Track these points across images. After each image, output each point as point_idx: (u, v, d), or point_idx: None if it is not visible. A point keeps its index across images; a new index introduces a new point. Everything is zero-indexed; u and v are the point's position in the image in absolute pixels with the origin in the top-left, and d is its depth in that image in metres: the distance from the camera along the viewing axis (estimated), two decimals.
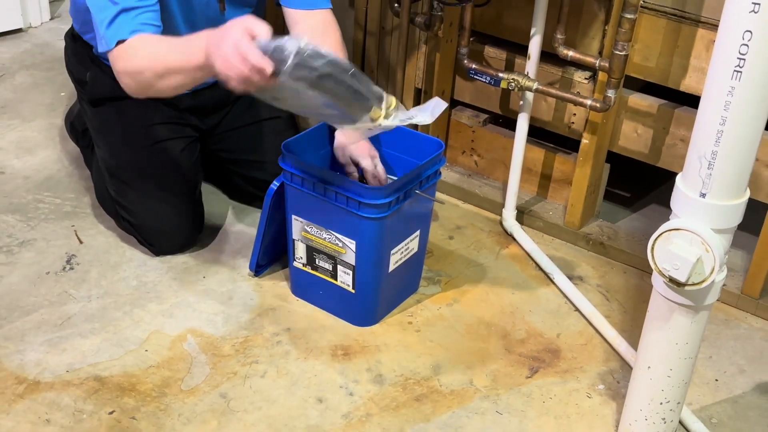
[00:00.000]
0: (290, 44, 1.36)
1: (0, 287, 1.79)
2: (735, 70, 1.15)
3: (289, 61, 1.35)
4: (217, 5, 1.78)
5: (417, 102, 2.22)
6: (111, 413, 1.52)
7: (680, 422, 1.56)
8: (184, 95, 1.95)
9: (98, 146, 1.94)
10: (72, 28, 1.99)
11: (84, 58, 1.94)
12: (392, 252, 1.72)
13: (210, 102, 1.98)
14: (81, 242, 1.95)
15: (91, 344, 1.67)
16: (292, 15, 1.82)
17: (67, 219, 2.02)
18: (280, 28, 2.24)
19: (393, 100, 1.46)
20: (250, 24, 1.39)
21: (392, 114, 1.46)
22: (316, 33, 1.79)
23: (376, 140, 1.86)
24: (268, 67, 1.35)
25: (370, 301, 1.75)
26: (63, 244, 1.93)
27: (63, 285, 1.81)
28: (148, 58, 1.57)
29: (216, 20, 1.69)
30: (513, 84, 1.94)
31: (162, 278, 1.85)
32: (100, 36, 1.62)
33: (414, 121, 1.48)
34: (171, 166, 1.90)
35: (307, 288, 1.81)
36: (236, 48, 1.37)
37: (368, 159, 1.76)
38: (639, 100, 1.94)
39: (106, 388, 1.57)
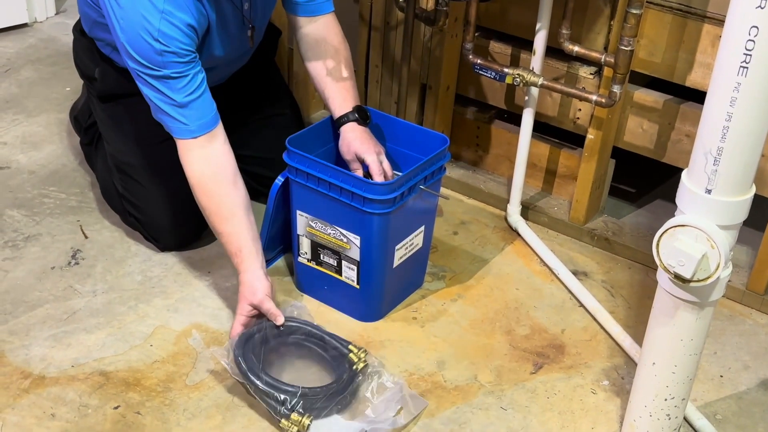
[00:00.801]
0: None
1: (5, 282, 1.80)
2: (741, 66, 1.14)
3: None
4: (248, 40, 1.84)
5: (422, 98, 2.22)
6: (116, 408, 1.53)
7: (685, 418, 1.56)
8: None
9: (107, 142, 1.94)
10: (80, 23, 1.99)
11: (93, 54, 1.94)
12: (397, 247, 1.72)
13: (218, 99, 1.97)
14: (86, 237, 1.95)
15: (96, 339, 1.67)
16: (296, 21, 1.87)
17: (72, 214, 2.02)
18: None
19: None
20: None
21: None
22: (317, 36, 1.85)
23: (380, 135, 1.86)
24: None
25: (374, 296, 1.75)
26: (68, 239, 1.93)
27: (68, 280, 1.82)
28: (212, 211, 1.68)
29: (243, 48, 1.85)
30: (518, 79, 1.93)
31: (167, 273, 1.86)
32: (165, 123, 1.67)
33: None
34: (178, 162, 1.90)
35: (311, 283, 1.81)
36: (255, 294, 1.63)
37: (373, 155, 1.76)
38: (644, 96, 1.93)
39: (111, 383, 1.57)
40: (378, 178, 1.76)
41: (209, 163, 1.68)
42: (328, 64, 1.84)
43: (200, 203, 1.69)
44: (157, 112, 1.67)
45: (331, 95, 1.83)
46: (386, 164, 1.78)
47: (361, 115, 1.80)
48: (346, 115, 1.80)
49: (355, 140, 1.77)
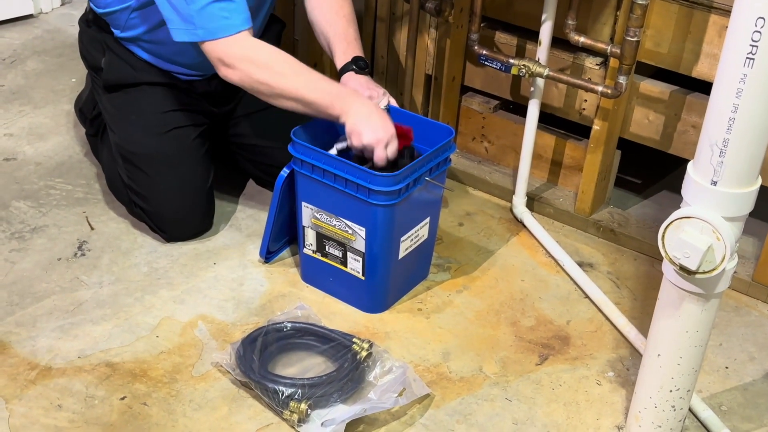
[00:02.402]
0: None
1: (12, 273, 1.80)
2: (747, 57, 1.14)
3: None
4: None
5: (428, 89, 2.22)
6: (122, 399, 1.53)
7: (690, 410, 1.56)
8: (200, 81, 1.95)
9: (112, 132, 1.95)
10: (86, 13, 1.99)
11: (99, 44, 1.95)
12: (402, 239, 1.72)
13: (224, 87, 1.98)
14: (92, 228, 1.95)
15: (102, 330, 1.68)
16: None
17: (78, 205, 2.02)
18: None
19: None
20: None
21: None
22: (330, 8, 1.88)
23: None
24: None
25: (379, 287, 1.75)
26: (74, 231, 1.94)
27: (74, 271, 1.82)
28: (284, 79, 1.68)
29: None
30: (524, 70, 1.93)
31: (173, 265, 1.86)
32: (200, 25, 1.65)
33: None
34: (185, 152, 1.91)
35: (317, 275, 1.81)
36: (383, 117, 1.67)
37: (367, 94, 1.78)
38: (650, 87, 1.93)
39: (118, 374, 1.58)
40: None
41: (261, 43, 1.71)
42: (330, 17, 1.88)
43: (278, 71, 1.69)
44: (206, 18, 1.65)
45: (334, 48, 1.88)
46: (384, 103, 1.81)
47: (359, 64, 1.84)
48: (345, 65, 1.84)
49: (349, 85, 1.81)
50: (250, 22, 1.69)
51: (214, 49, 1.68)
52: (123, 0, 1.84)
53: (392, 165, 1.66)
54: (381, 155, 1.64)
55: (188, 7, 1.65)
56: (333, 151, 1.69)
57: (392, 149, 1.66)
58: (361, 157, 1.69)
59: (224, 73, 1.70)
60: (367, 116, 1.65)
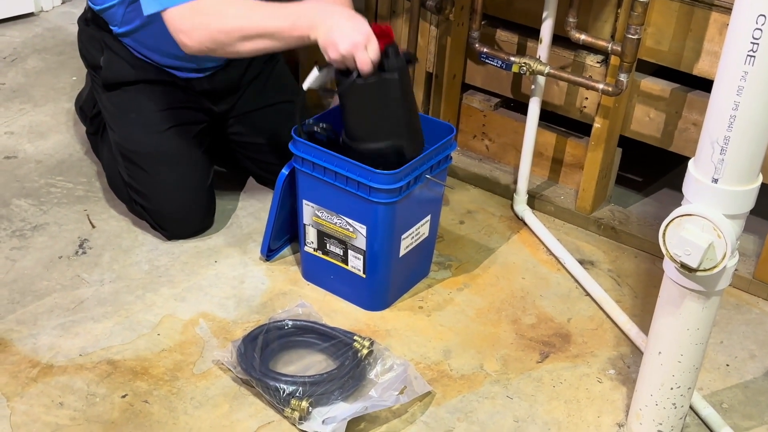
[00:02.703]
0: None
1: (13, 271, 1.81)
2: (748, 55, 1.14)
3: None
4: None
5: (428, 87, 2.22)
6: (123, 397, 1.54)
7: (691, 407, 1.57)
8: (199, 79, 1.95)
9: (112, 130, 1.95)
10: (85, 12, 1.99)
11: (97, 43, 1.95)
12: (403, 237, 1.72)
13: (223, 85, 1.98)
14: (93, 226, 1.96)
15: (103, 328, 1.68)
16: None
17: (79, 203, 2.02)
18: None
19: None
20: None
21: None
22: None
23: None
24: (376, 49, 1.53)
25: (380, 285, 1.75)
26: (75, 229, 1.94)
27: (75, 269, 1.82)
28: (242, 19, 1.60)
29: None
30: (524, 68, 1.93)
31: (174, 262, 1.86)
32: None
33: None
34: (185, 150, 1.91)
35: (318, 272, 1.82)
36: (354, 19, 1.55)
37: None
38: (651, 84, 1.93)
39: (119, 372, 1.58)
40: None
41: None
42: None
43: (231, 14, 1.61)
44: None
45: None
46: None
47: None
48: None
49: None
50: None
51: (172, 19, 1.62)
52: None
53: (380, 68, 1.55)
54: (363, 59, 1.53)
55: None
56: (305, 84, 1.60)
57: (373, 50, 1.54)
58: (347, 71, 1.57)
59: (183, 40, 1.63)
60: (336, 24, 1.55)
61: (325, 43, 1.56)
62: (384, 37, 1.57)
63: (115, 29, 1.90)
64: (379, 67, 1.55)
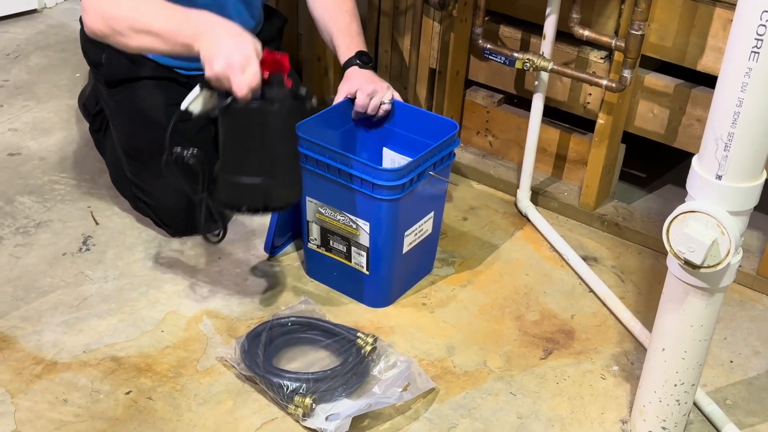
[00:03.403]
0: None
1: (17, 268, 1.81)
2: (752, 51, 1.13)
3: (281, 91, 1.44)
4: None
5: (431, 83, 2.22)
6: (127, 393, 1.54)
7: (694, 404, 1.56)
8: (200, 75, 1.95)
9: (114, 127, 1.95)
10: None
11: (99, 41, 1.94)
12: (406, 233, 1.72)
13: None
14: (97, 223, 1.96)
15: (107, 325, 1.68)
16: None
17: (83, 200, 2.03)
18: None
19: None
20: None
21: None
22: (332, 3, 1.88)
23: (390, 121, 1.86)
24: (257, 72, 1.43)
25: (384, 282, 1.75)
26: (79, 226, 1.94)
27: (79, 266, 1.83)
28: (133, 9, 1.53)
29: None
30: (528, 64, 1.92)
31: (178, 259, 1.86)
32: None
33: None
34: (188, 146, 1.90)
35: (321, 269, 1.82)
36: (239, 38, 1.46)
37: (363, 93, 1.78)
38: (655, 80, 1.92)
39: (123, 369, 1.58)
40: (356, 108, 1.79)
41: None
42: (333, 12, 1.88)
43: (126, 5, 1.53)
44: None
45: (337, 43, 1.87)
46: (375, 100, 1.79)
47: (363, 59, 1.83)
48: (349, 60, 1.83)
49: (347, 81, 1.80)
50: None
51: (83, 5, 1.58)
52: None
53: (261, 96, 1.44)
54: (238, 82, 1.41)
55: None
56: (184, 104, 1.49)
57: (251, 74, 1.43)
58: (228, 93, 1.45)
59: (84, 20, 1.59)
60: (218, 39, 1.44)
61: (203, 59, 1.46)
62: (274, 65, 1.46)
63: None
64: (262, 93, 1.45)
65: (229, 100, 1.42)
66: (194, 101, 1.48)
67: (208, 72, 1.46)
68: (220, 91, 1.47)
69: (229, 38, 1.46)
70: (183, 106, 1.48)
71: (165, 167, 1.53)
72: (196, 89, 1.48)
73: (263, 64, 1.45)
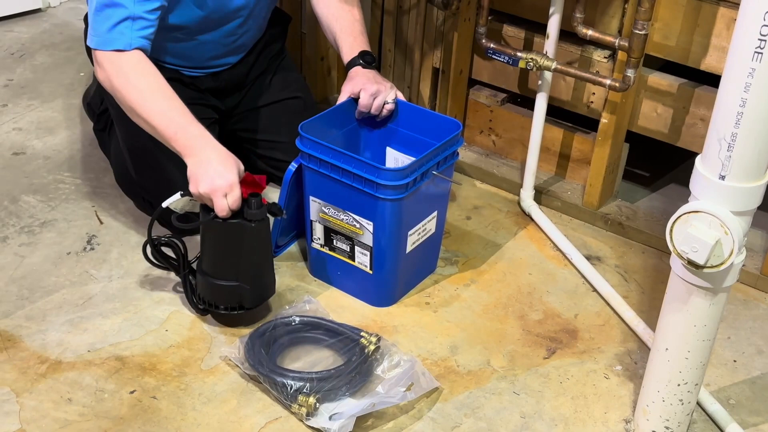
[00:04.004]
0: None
1: (22, 267, 1.81)
2: (756, 51, 1.13)
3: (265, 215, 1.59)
4: None
5: (435, 82, 2.22)
6: (132, 392, 1.54)
7: (698, 403, 1.57)
8: (205, 76, 1.96)
9: (119, 126, 1.95)
10: None
11: None
12: (410, 233, 1.72)
13: (229, 83, 1.99)
14: (101, 222, 1.96)
15: (112, 324, 1.69)
16: None
17: (87, 199, 2.03)
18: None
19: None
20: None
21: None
22: (335, 2, 1.88)
23: (393, 120, 1.86)
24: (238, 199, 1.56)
25: (387, 281, 1.75)
26: (83, 225, 1.95)
27: (84, 265, 1.83)
28: (139, 98, 1.61)
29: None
30: (531, 63, 1.92)
31: None
32: (97, 33, 1.63)
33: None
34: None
35: (324, 269, 1.82)
36: (225, 163, 1.56)
37: (367, 93, 1.79)
38: (659, 80, 1.92)
39: (127, 368, 1.59)
40: (360, 108, 1.80)
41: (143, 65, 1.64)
42: (336, 12, 1.88)
43: (139, 89, 1.61)
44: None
45: (341, 42, 1.87)
46: (379, 100, 1.80)
47: (366, 59, 1.83)
48: (352, 60, 1.84)
49: (350, 80, 1.81)
50: (145, 48, 1.64)
51: (100, 55, 1.64)
52: None
53: (239, 213, 1.58)
54: (220, 205, 1.55)
55: (95, 17, 1.64)
56: (165, 203, 1.62)
57: (233, 198, 1.56)
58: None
59: (98, 73, 1.67)
60: (206, 162, 1.56)
61: (189, 175, 1.58)
62: (253, 186, 1.59)
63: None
64: (242, 211, 1.58)
65: (212, 215, 1.57)
66: (175, 203, 1.62)
67: (193, 189, 1.57)
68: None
69: (216, 163, 1.56)
70: (164, 205, 1.61)
71: (145, 255, 1.68)
72: (178, 195, 1.60)
73: (243, 183, 1.58)
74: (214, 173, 1.55)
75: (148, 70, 1.63)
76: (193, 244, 1.73)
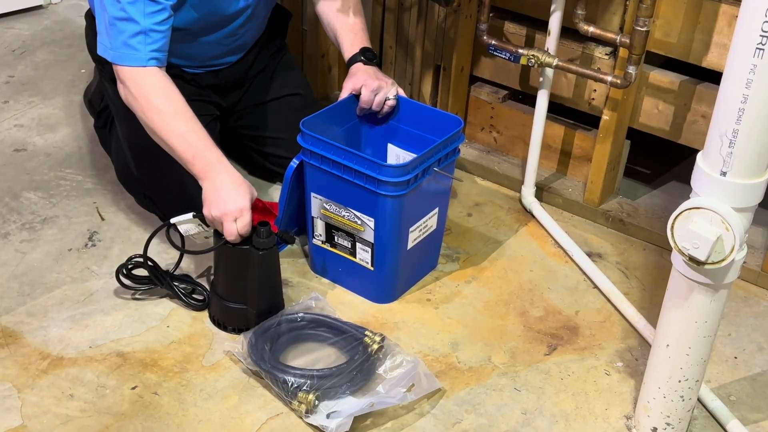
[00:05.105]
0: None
1: (23, 264, 1.82)
2: (757, 48, 1.13)
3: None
4: None
5: (436, 79, 2.22)
6: (133, 388, 1.54)
7: (698, 400, 1.57)
8: (205, 73, 1.96)
9: (120, 124, 1.95)
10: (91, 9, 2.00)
11: None
12: (411, 229, 1.73)
13: (230, 80, 1.99)
14: (102, 219, 1.96)
15: (113, 320, 1.69)
16: None
17: (88, 196, 2.03)
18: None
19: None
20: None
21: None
22: (338, 11, 1.87)
23: (395, 117, 1.86)
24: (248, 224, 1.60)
25: (388, 278, 1.76)
26: (85, 221, 1.95)
27: (85, 261, 1.83)
28: (161, 118, 1.64)
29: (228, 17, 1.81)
30: (533, 60, 1.92)
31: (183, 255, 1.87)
32: (113, 46, 1.64)
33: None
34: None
35: (326, 265, 1.82)
36: (238, 189, 1.59)
37: (368, 89, 1.79)
38: (660, 76, 1.92)
39: (129, 364, 1.59)
40: (361, 104, 1.81)
41: (162, 82, 1.66)
42: (337, 9, 1.88)
43: (159, 109, 1.64)
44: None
45: (342, 39, 1.88)
46: (380, 96, 1.80)
47: (367, 55, 1.84)
48: (353, 57, 1.84)
49: (351, 77, 1.81)
50: (161, 60, 1.66)
51: (122, 71, 1.66)
52: None
53: (248, 240, 1.61)
54: (230, 230, 1.58)
55: (109, 29, 1.65)
56: (173, 219, 1.65)
57: (242, 224, 1.59)
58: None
59: (120, 89, 1.69)
60: (220, 187, 1.60)
61: (204, 199, 1.62)
62: (264, 212, 1.64)
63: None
64: (251, 238, 1.61)
65: (223, 240, 1.60)
66: (184, 222, 1.65)
67: (206, 213, 1.61)
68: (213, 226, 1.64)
69: (230, 188, 1.60)
70: (172, 221, 1.65)
71: (119, 281, 1.72)
72: (189, 215, 1.64)
73: (255, 209, 1.62)
74: (227, 197, 1.58)
75: (169, 91, 1.65)
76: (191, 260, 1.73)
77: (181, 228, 1.66)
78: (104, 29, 1.66)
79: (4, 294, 1.73)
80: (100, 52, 1.69)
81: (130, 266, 1.72)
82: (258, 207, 1.63)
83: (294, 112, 1.99)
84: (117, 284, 1.77)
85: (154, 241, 1.67)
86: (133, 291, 1.74)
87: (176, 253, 1.73)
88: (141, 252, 1.68)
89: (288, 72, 2.10)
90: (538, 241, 1.99)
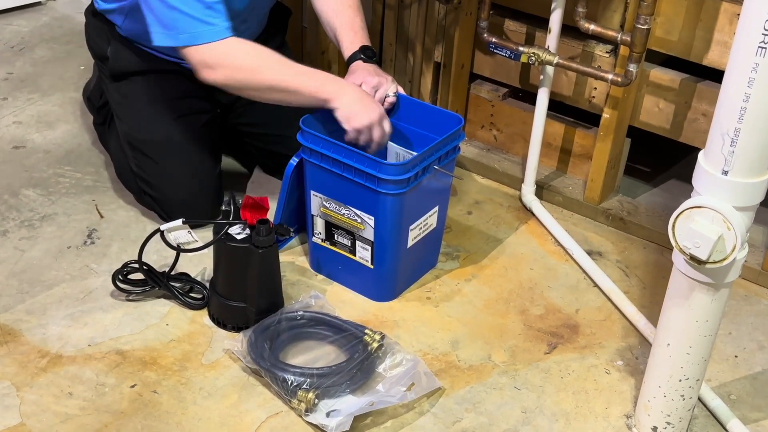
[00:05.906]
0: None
1: (22, 261, 1.81)
2: (759, 47, 1.13)
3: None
4: None
5: (436, 77, 2.21)
6: (133, 387, 1.54)
7: (699, 399, 1.56)
8: None
9: (120, 120, 1.95)
10: (92, 4, 1.99)
11: (104, 34, 1.95)
12: (411, 228, 1.72)
13: None
14: (102, 216, 1.96)
15: (112, 318, 1.68)
16: None
17: (87, 193, 2.03)
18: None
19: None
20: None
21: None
22: (337, 9, 1.87)
23: (395, 115, 1.86)
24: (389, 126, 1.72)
25: (388, 276, 1.75)
26: (84, 219, 1.95)
27: (84, 259, 1.83)
28: (274, 73, 1.70)
29: None
30: (533, 58, 1.92)
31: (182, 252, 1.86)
32: (181, 30, 1.65)
33: None
34: (192, 139, 1.91)
35: (326, 263, 1.82)
36: (364, 100, 1.70)
37: (368, 86, 1.79)
38: (661, 75, 1.92)
39: (128, 362, 1.59)
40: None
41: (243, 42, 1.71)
42: (336, 7, 1.88)
43: (261, 65, 1.70)
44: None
45: (341, 38, 1.87)
46: (380, 93, 1.80)
47: (367, 53, 1.83)
48: (353, 55, 1.84)
49: (351, 74, 1.81)
50: (232, 30, 1.68)
51: (195, 53, 1.67)
52: (118, 0, 1.85)
53: (248, 238, 1.62)
54: (379, 133, 1.69)
55: (171, 13, 1.64)
56: (163, 226, 1.67)
57: (388, 125, 1.71)
58: (220, 229, 1.63)
59: (206, 75, 1.70)
60: (357, 99, 1.68)
61: (342, 117, 1.68)
62: (257, 208, 1.63)
63: (118, 30, 1.91)
64: (251, 237, 1.61)
65: (222, 236, 1.61)
66: (173, 229, 1.67)
67: (351, 126, 1.68)
68: (214, 228, 1.65)
69: (366, 99, 1.70)
70: (162, 228, 1.66)
71: (116, 285, 1.72)
72: (179, 221, 1.67)
73: (246, 206, 1.62)
74: (368, 106, 1.68)
75: (256, 48, 1.71)
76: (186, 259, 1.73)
77: (171, 236, 1.67)
78: (158, 20, 1.66)
79: (2, 292, 1.73)
80: (161, 42, 1.69)
81: (125, 272, 1.72)
82: (248, 203, 1.62)
83: (294, 109, 1.98)
84: None
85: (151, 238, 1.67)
86: (129, 294, 1.73)
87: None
88: (137, 256, 1.68)
89: None
90: (539, 240, 1.98)
